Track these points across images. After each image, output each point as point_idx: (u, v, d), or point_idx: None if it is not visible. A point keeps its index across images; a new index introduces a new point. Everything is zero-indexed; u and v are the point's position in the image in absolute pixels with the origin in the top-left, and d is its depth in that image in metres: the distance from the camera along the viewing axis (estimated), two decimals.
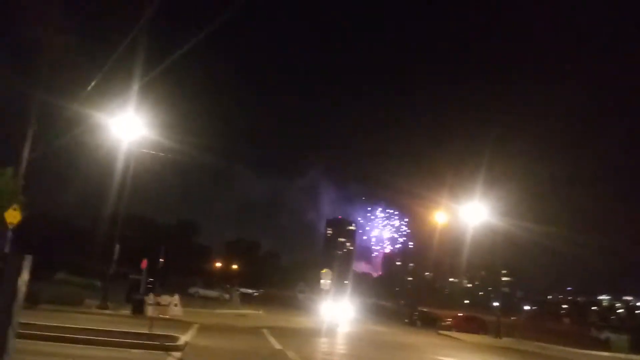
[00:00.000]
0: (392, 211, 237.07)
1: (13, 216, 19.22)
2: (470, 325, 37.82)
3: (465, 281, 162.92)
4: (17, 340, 4.05)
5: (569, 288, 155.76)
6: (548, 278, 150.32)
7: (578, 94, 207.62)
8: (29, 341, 11.57)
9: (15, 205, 19.64)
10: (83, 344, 12.88)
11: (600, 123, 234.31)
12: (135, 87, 21.73)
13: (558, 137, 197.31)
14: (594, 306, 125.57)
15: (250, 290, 70.94)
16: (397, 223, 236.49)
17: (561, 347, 31.26)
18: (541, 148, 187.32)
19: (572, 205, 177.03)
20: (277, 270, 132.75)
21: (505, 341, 31.65)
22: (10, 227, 19.28)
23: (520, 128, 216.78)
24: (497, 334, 33.37)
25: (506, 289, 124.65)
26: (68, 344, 12.67)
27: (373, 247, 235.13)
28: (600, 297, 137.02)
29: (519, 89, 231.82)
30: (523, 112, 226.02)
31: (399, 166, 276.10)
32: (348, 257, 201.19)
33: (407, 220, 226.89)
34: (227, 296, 49.27)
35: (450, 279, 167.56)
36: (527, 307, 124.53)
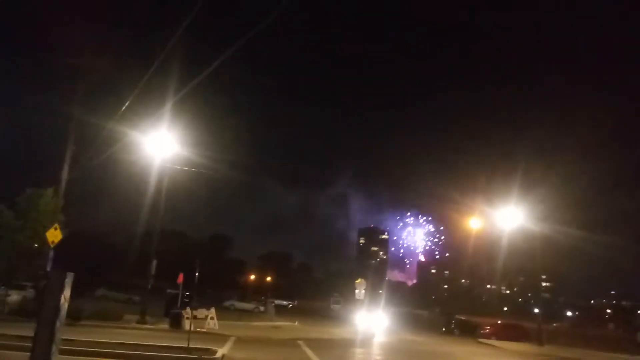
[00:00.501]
0: (425, 218, 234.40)
1: (54, 235, 19.84)
2: (511, 332, 36.86)
3: (503, 287, 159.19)
4: (60, 356, 4.15)
5: (612, 292, 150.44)
6: (591, 283, 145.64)
7: (625, 99, 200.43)
8: (72, 357, 11.86)
9: (56, 225, 20.28)
10: (123, 359, 13.11)
11: None
12: (168, 105, 22.22)
13: (602, 139, 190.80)
14: (639, 310, 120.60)
15: (284, 302, 71.04)
16: (430, 229, 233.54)
17: (606, 354, 30.16)
18: (583, 151, 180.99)
19: (615, 209, 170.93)
20: (311, 281, 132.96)
21: (548, 349, 30.68)
22: (52, 245, 19.90)
23: (560, 131, 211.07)
24: (539, 341, 32.39)
25: (547, 295, 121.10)
26: (109, 359, 12.92)
27: (407, 255, 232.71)
28: None
29: (560, 89, 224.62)
30: (565, 115, 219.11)
31: (431, 172, 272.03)
32: (382, 266, 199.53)
33: (441, 227, 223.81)
34: (262, 308, 49.44)
35: (488, 286, 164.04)
36: (569, 313, 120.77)
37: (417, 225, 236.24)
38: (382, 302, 57.47)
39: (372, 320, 33.34)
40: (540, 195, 44.65)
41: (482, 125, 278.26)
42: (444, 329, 43.14)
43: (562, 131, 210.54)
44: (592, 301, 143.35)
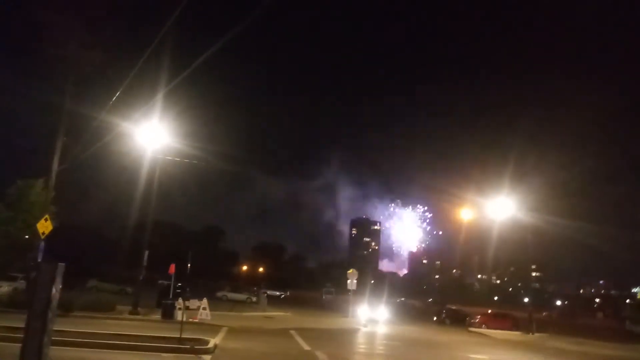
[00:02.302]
0: (417, 208, 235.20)
1: (45, 226, 19.73)
2: (501, 322, 37.26)
3: (494, 278, 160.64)
4: (52, 347, 4.17)
5: (601, 282, 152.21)
6: (580, 272, 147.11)
7: (616, 88, 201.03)
8: (64, 348, 11.87)
9: (46, 216, 20.18)
10: (115, 350, 13.16)
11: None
12: (159, 96, 22.14)
13: (593, 130, 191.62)
14: (627, 299, 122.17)
15: (277, 293, 71.24)
16: (422, 219, 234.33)
17: (595, 342, 30.59)
18: (576, 143, 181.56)
19: (606, 201, 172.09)
20: (303, 271, 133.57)
21: (538, 337, 31.10)
22: (43, 237, 19.80)
23: (552, 121, 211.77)
24: (529, 330, 32.83)
25: (536, 285, 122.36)
26: (101, 350, 12.96)
27: (398, 245, 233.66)
28: (635, 290, 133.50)
29: (552, 80, 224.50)
30: (557, 105, 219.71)
31: (422, 162, 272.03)
32: (373, 256, 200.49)
33: (432, 217, 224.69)
34: (254, 299, 49.57)
35: (479, 276, 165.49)
36: (559, 302, 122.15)
37: (408, 215, 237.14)
38: (374, 292, 57.81)
39: (364, 310, 33.61)
40: (531, 186, 45.10)
41: (473, 115, 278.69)
42: (435, 319, 43.51)
43: (554, 122, 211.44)
44: (581, 290, 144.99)
